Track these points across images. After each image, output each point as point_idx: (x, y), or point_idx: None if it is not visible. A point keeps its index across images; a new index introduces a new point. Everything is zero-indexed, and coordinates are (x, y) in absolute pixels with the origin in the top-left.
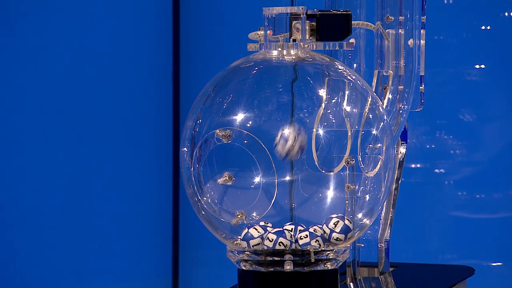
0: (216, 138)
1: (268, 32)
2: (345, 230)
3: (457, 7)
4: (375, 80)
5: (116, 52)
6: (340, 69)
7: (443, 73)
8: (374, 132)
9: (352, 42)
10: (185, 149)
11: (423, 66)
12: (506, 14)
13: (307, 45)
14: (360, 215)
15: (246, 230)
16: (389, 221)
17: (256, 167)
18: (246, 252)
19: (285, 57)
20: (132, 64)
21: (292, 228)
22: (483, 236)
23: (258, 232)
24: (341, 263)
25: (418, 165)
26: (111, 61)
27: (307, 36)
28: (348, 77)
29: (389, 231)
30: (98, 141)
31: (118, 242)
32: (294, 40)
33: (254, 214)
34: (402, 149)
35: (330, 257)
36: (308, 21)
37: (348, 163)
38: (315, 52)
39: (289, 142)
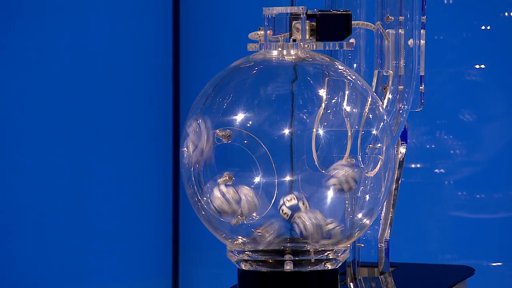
0: (216, 138)
1: (268, 32)
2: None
3: (457, 7)
4: (375, 80)
5: (116, 52)
6: (340, 69)
7: (443, 73)
8: (374, 132)
9: (352, 42)
10: (185, 149)
11: (423, 66)
12: (506, 14)
13: (307, 45)
14: (360, 215)
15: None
16: (389, 221)
17: (256, 167)
18: (246, 252)
19: (285, 57)
20: (132, 64)
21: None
22: (483, 236)
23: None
24: (341, 263)
25: (418, 165)
26: (111, 61)
27: (307, 36)
28: (348, 77)
29: (389, 231)
30: (98, 141)
31: (118, 242)
32: (294, 40)
33: (254, 214)
34: (402, 149)
35: (330, 257)
36: (308, 21)
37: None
38: (315, 52)
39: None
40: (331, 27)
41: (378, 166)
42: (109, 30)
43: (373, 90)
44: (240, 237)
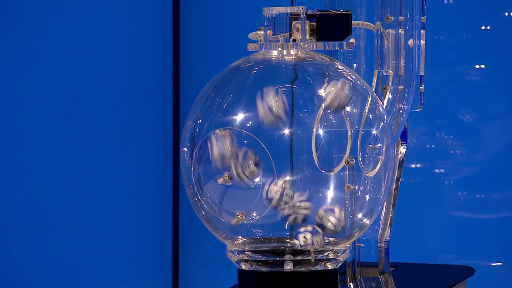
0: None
1: (268, 32)
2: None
3: (457, 7)
4: (375, 80)
5: (116, 52)
6: (340, 69)
7: (443, 73)
8: (374, 132)
9: (352, 42)
10: (185, 149)
11: (423, 66)
12: (506, 14)
13: (307, 45)
14: (360, 215)
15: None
16: (389, 221)
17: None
18: (246, 252)
19: (285, 57)
20: (132, 64)
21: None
22: (483, 236)
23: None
24: (341, 263)
25: (418, 165)
26: (111, 61)
27: (307, 36)
28: (348, 77)
29: (389, 231)
30: (98, 141)
31: (118, 242)
32: (294, 40)
33: (254, 214)
34: (402, 149)
35: (330, 257)
36: (308, 21)
37: (348, 163)
38: (315, 52)
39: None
40: (331, 27)
41: (378, 166)
42: (109, 30)
43: (373, 90)
44: (240, 237)
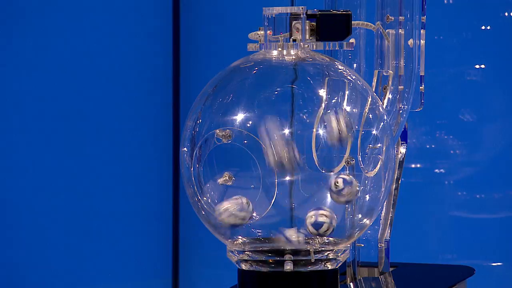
0: (216, 138)
1: (268, 32)
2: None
3: (457, 7)
4: (375, 80)
5: (116, 52)
6: (340, 69)
7: (443, 73)
8: (374, 132)
9: (352, 42)
10: (185, 149)
11: (423, 66)
12: (506, 14)
13: (307, 45)
14: (360, 215)
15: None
16: (389, 221)
17: (256, 167)
18: (246, 252)
19: (285, 57)
20: (132, 64)
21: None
22: (483, 236)
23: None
24: (341, 263)
25: (418, 165)
26: (111, 62)
27: (307, 36)
28: (348, 77)
29: (389, 231)
30: (99, 141)
31: (118, 242)
32: (294, 40)
33: (254, 214)
34: (402, 149)
35: (330, 257)
36: (308, 21)
37: (348, 163)
38: (315, 52)
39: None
40: (331, 27)
41: (378, 166)
42: (109, 30)
43: (373, 90)
44: (240, 237)
